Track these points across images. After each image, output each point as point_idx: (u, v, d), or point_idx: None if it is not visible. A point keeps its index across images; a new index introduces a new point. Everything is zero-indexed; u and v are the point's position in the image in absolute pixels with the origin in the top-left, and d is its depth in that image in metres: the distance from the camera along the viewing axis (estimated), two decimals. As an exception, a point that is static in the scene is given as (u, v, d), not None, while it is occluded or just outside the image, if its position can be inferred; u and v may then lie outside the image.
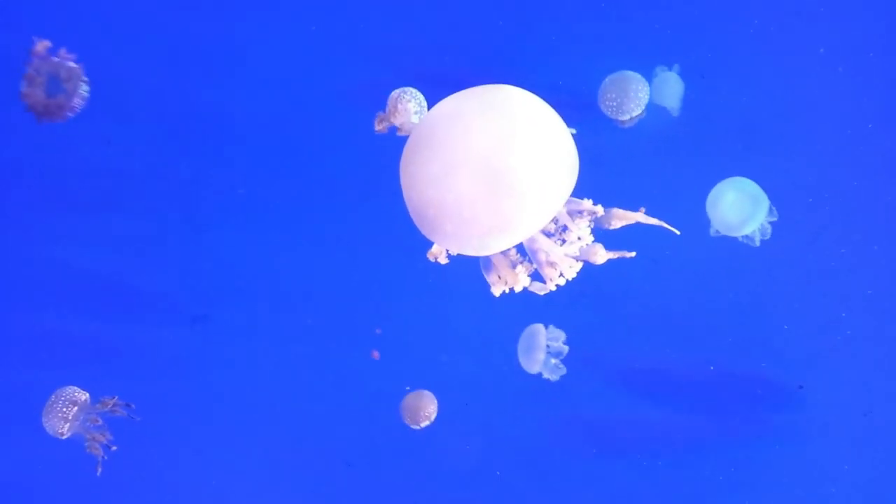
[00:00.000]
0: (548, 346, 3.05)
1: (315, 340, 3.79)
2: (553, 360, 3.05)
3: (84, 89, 3.12)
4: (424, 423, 3.33)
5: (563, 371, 3.15)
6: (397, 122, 3.29)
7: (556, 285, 2.80)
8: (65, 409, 3.21)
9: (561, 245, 2.84)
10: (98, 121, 3.69)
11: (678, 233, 2.85)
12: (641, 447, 3.80)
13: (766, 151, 3.87)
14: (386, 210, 3.62)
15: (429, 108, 3.44)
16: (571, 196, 2.87)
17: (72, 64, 3.10)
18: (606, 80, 3.56)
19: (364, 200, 3.90)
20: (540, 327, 3.21)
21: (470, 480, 3.82)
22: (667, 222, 2.96)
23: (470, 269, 3.20)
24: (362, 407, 3.81)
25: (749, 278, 3.84)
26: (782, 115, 3.87)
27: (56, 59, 3.03)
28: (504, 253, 2.89)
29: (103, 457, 3.22)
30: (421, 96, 3.49)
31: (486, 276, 2.96)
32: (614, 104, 3.49)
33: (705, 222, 3.57)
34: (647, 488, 3.81)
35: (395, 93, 3.49)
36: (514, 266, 2.85)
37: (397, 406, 3.66)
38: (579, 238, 2.84)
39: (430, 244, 3.03)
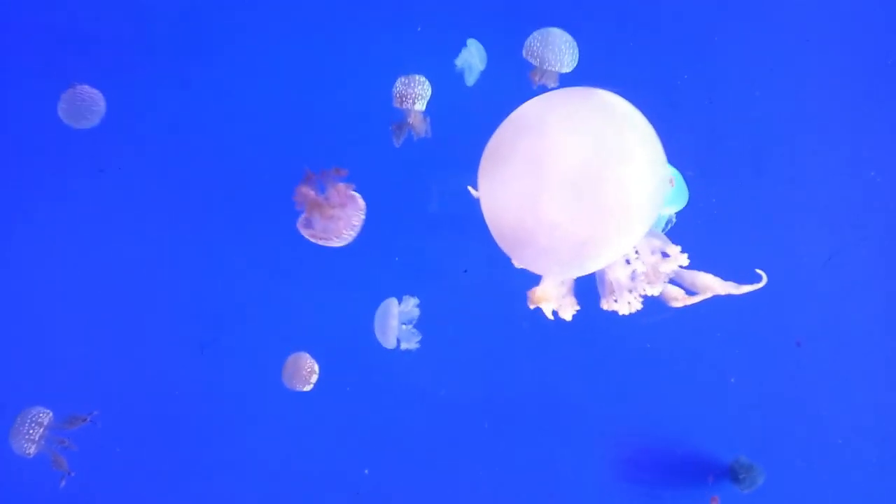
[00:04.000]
0: (400, 312, 3.04)
1: (324, 365, 3.71)
2: (405, 326, 3.03)
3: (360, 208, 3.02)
4: (313, 379, 3.35)
5: (419, 337, 3.11)
6: (413, 123, 3.33)
7: (607, 308, 2.59)
8: (31, 431, 3.35)
9: (630, 279, 2.56)
10: (102, 142, 3.90)
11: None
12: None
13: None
14: (397, 239, 3.81)
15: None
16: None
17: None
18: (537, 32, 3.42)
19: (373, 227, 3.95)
20: (392, 299, 3.20)
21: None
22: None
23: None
24: (375, 433, 3.84)
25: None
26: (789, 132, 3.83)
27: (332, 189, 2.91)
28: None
29: (69, 473, 3.37)
30: (424, 81, 3.34)
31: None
32: (536, 53, 3.32)
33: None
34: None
35: (398, 87, 3.34)
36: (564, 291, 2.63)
37: (417, 428, 3.75)
38: (645, 290, 2.57)
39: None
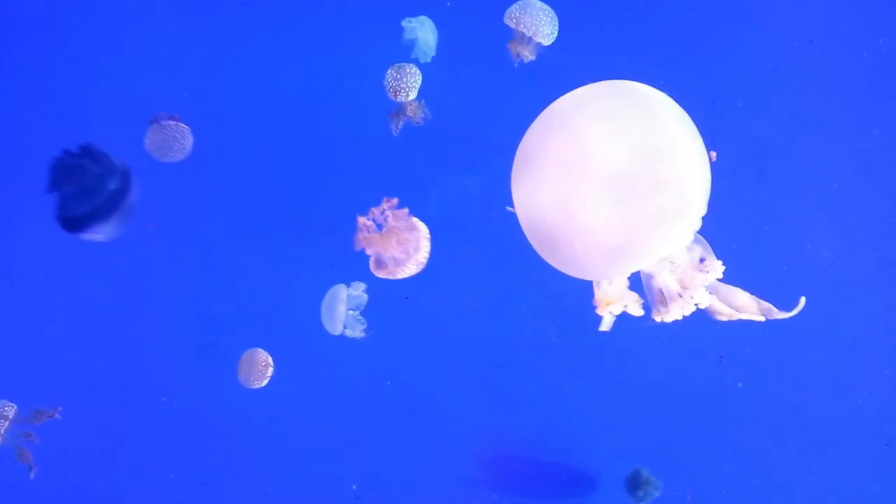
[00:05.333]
0: (348, 297, 2.96)
1: (319, 367, 3.74)
2: (352, 312, 2.95)
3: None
4: (269, 371, 3.31)
5: (365, 325, 3.02)
6: (410, 112, 3.29)
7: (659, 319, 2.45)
8: (-4, 424, 3.31)
9: (679, 284, 2.43)
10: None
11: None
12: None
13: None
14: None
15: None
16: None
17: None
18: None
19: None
20: (341, 285, 3.12)
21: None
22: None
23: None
24: (369, 431, 3.82)
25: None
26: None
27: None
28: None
29: (32, 467, 3.35)
30: (413, 69, 3.32)
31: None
32: (514, 17, 3.28)
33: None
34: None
35: (389, 81, 3.32)
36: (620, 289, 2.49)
37: (410, 435, 3.76)
38: (693, 297, 2.44)
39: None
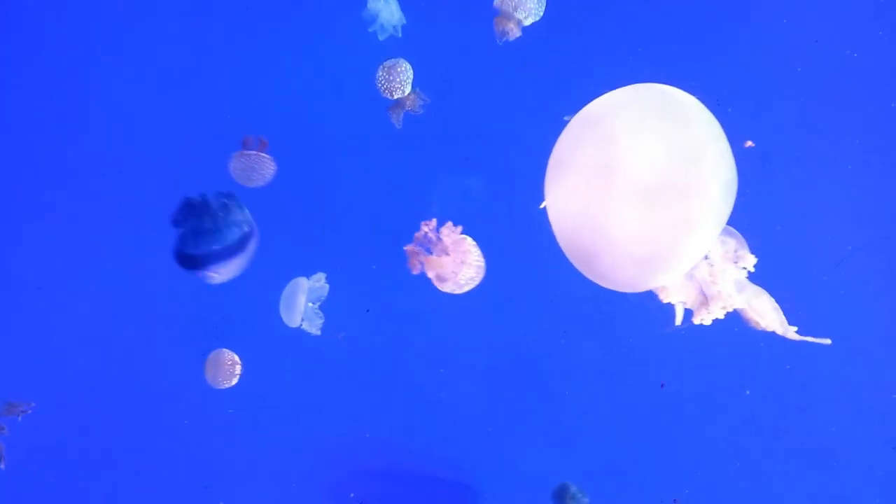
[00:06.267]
0: (309, 289, 2.90)
1: (319, 373, 3.73)
2: (311, 304, 2.88)
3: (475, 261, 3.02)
4: (238, 370, 3.31)
5: (322, 319, 2.95)
6: (408, 105, 3.29)
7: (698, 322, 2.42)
8: (-33, 415, 3.33)
9: (713, 285, 2.42)
10: (106, 153, 3.94)
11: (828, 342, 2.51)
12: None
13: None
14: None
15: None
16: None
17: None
18: None
19: (376, 240, 3.79)
20: (301, 277, 3.09)
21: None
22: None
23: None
24: (368, 433, 3.81)
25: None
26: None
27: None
28: None
29: (2, 458, 3.37)
30: (403, 64, 3.33)
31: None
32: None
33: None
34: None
35: (381, 82, 3.32)
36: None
37: (401, 440, 3.77)
38: (730, 295, 2.43)
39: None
